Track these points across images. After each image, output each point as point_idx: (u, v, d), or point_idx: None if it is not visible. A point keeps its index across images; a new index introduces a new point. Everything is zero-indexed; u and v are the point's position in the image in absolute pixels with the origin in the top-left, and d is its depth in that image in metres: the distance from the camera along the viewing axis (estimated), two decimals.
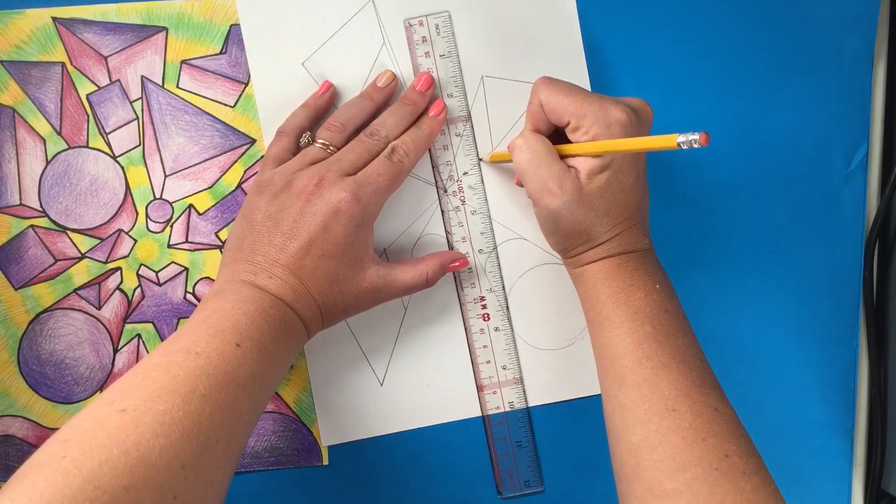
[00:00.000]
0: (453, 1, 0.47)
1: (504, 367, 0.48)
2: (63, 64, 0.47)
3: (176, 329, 0.48)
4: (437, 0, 0.47)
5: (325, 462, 0.49)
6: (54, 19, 0.46)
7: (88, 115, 0.47)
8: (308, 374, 0.48)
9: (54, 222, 0.47)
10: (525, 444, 0.49)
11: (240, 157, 0.48)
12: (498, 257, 0.48)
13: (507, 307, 0.48)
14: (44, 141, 0.47)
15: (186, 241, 0.48)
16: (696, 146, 0.33)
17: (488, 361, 0.48)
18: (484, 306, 0.48)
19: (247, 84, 0.47)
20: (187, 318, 0.48)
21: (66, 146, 0.47)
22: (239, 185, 0.48)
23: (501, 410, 0.49)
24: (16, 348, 0.48)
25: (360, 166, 0.42)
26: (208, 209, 0.48)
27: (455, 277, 0.48)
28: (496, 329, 0.48)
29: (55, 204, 0.47)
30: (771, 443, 0.51)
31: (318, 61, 0.47)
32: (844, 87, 0.50)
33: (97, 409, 0.32)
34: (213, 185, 0.48)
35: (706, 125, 0.49)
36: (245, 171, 0.48)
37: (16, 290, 0.47)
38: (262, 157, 0.46)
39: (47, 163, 0.47)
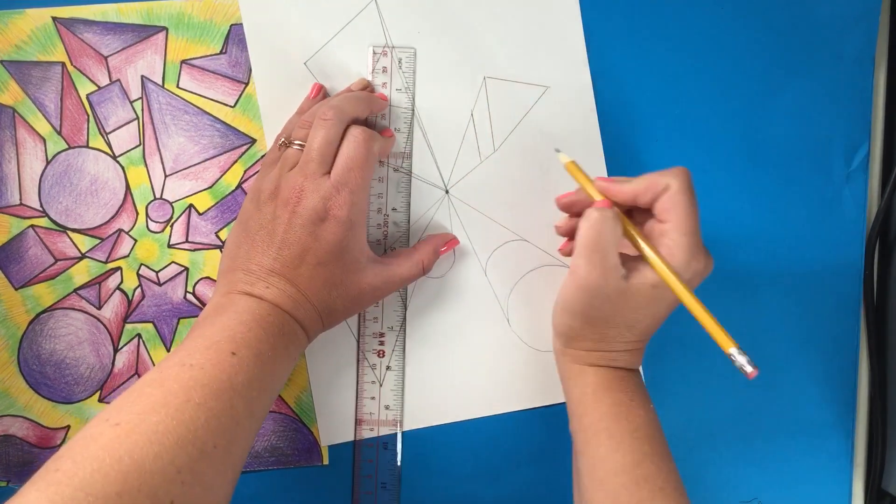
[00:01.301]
0: (453, 1, 0.47)
1: (387, 407, 0.48)
2: (63, 64, 0.47)
3: (176, 329, 0.48)
4: (437, 0, 0.47)
5: (325, 462, 0.49)
6: (54, 19, 0.46)
7: (88, 115, 0.47)
8: (308, 374, 0.48)
9: (54, 222, 0.47)
10: (389, 486, 0.49)
11: (240, 156, 0.48)
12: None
13: (404, 349, 0.48)
14: (44, 141, 0.47)
15: (186, 241, 0.48)
16: (741, 371, 0.34)
17: (373, 397, 0.48)
18: (382, 342, 0.48)
19: (247, 84, 0.47)
20: (187, 318, 0.48)
21: (67, 146, 0.47)
22: (239, 185, 0.48)
23: (374, 448, 0.49)
24: (16, 348, 0.48)
25: (331, 154, 0.41)
26: (208, 209, 0.48)
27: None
28: (388, 368, 0.48)
29: (55, 204, 0.47)
30: (771, 443, 0.51)
31: (321, 61, 0.47)
32: (845, 87, 0.50)
33: (92, 427, 0.32)
34: (213, 185, 0.48)
35: (706, 125, 0.49)
36: (245, 171, 0.48)
37: (16, 290, 0.47)
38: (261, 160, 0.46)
39: (47, 163, 0.47)
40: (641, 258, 0.39)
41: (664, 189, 0.38)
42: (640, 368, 0.44)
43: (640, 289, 0.38)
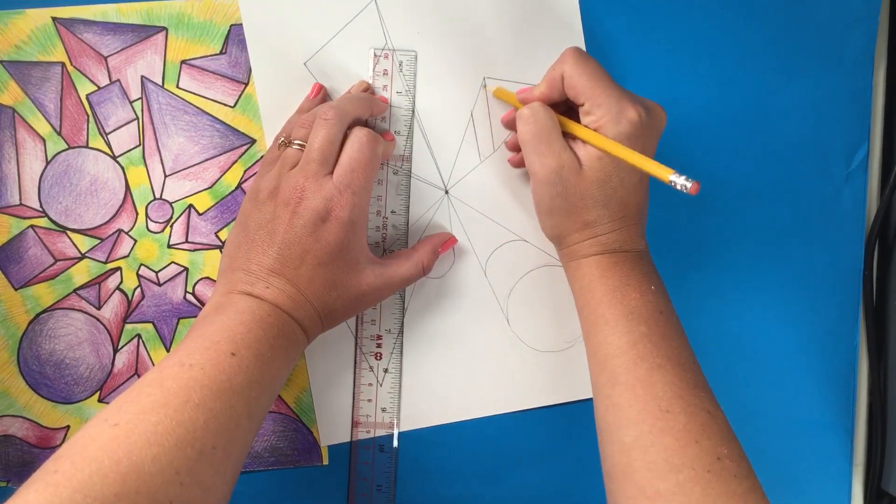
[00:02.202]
0: (453, 1, 0.47)
1: (384, 410, 0.48)
2: (63, 64, 0.47)
3: (175, 329, 0.48)
4: (437, 0, 0.47)
5: (325, 462, 0.49)
6: (54, 19, 0.46)
7: (88, 115, 0.47)
8: (308, 374, 0.48)
9: (54, 222, 0.47)
10: (385, 489, 0.49)
11: (240, 157, 0.48)
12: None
13: (402, 352, 0.48)
14: (44, 141, 0.47)
15: (186, 241, 0.48)
16: (684, 191, 0.35)
17: (369, 400, 0.48)
18: (379, 345, 0.48)
19: (247, 84, 0.47)
20: (187, 318, 0.48)
21: (66, 146, 0.47)
22: (239, 185, 0.48)
23: (370, 450, 0.49)
24: (16, 348, 0.48)
25: (332, 154, 0.41)
26: (208, 209, 0.48)
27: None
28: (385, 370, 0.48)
29: (55, 204, 0.47)
30: (771, 443, 0.51)
31: (321, 61, 0.47)
32: (845, 88, 0.50)
33: (91, 427, 0.32)
34: (213, 185, 0.48)
35: (706, 125, 0.49)
36: (245, 171, 0.48)
37: (16, 290, 0.47)
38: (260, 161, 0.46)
39: (47, 163, 0.47)
40: (580, 142, 0.41)
41: (562, 77, 0.41)
42: (643, 248, 0.43)
43: (591, 164, 0.40)
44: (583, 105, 0.41)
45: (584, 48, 0.48)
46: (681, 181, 0.35)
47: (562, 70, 0.41)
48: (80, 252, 0.47)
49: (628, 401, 0.37)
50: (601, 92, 0.40)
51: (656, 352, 0.38)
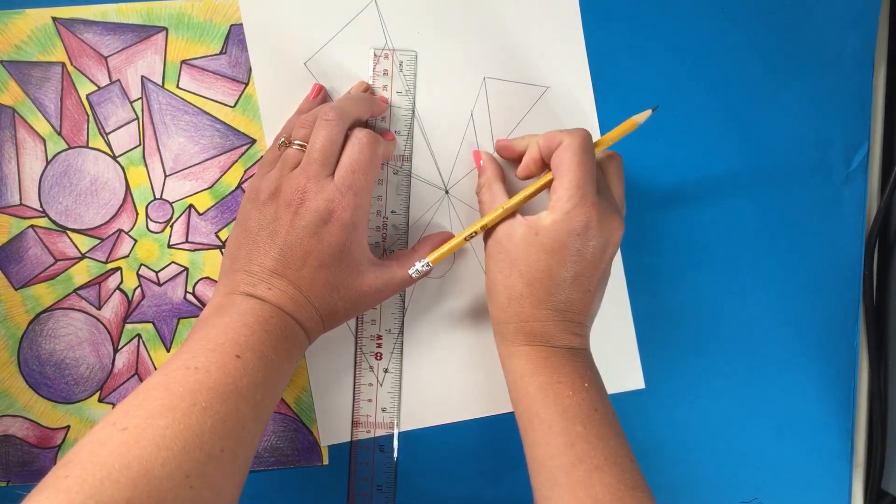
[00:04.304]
0: (453, 1, 0.47)
1: (384, 410, 0.48)
2: (63, 64, 0.47)
3: (176, 329, 0.48)
4: (437, 0, 0.47)
5: (325, 462, 0.49)
6: (54, 19, 0.46)
7: (88, 115, 0.47)
8: (308, 374, 0.48)
9: (54, 222, 0.47)
10: (385, 489, 0.49)
11: (240, 157, 0.48)
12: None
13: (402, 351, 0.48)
14: (44, 141, 0.47)
15: (186, 241, 0.48)
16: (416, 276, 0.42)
17: (370, 400, 0.48)
18: (379, 345, 0.48)
19: (247, 84, 0.47)
20: (187, 318, 0.48)
21: (66, 146, 0.47)
22: (239, 185, 0.48)
23: (370, 450, 0.49)
24: (16, 348, 0.47)
25: (334, 155, 0.41)
26: (208, 209, 0.48)
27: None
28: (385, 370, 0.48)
29: (55, 204, 0.47)
30: (771, 443, 0.51)
31: (321, 61, 0.47)
32: (845, 87, 0.50)
33: (99, 431, 0.32)
34: (213, 185, 0.48)
35: (706, 125, 0.49)
36: (245, 171, 0.48)
37: (16, 290, 0.47)
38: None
39: (47, 163, 0.47)
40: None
41: (557, 144, 0.41)
42: (578, 346, 0.42)
43: (525, 235, 0.41)
44: (555, 178, 0.41)
45: (584, 48, 0.48)
46: (417, 267, 0.42)
47: (561, 140, 0.41)
48: (80, 252, 0.47)
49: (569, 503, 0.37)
50: (573, 183, 0.40)
51: (594, 453, 0.38)
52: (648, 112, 0.43)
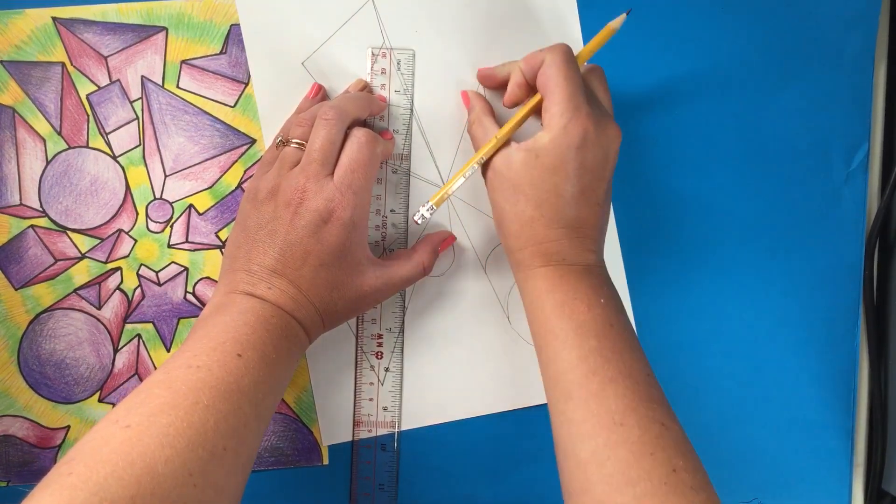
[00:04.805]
0: (451, 1, 0.47)
1: (385, 409, 0.48)
2: (63, 64, 0.47)
3: (176, 329, 0.48)
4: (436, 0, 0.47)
5: (325, 462, 0.49)
6: (54, 19, 0.46)
7: (88, 115, 0.47)
8: (309, 373, 0.48)
9: (54, 222, 0.47)
10: (387, 488, 0.49)
11: (240, 157, 0.48)
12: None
13: (403, 350, 0.48)
14: (44, 141, 0.47)
15: (186, 241, 0.48)
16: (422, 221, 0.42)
17: (371, 399, 0.48)
18: (380, 344, 0.48)
19: (247, 84, 0.47)
20: (187, 318, 0.48)
21: (66, 146, 0.47)
22: (239, 185, 0.48)
23: (372, 449, 0.49)
24: (16, 348, 0.48)
25: (333, 154, 0.41)
26: (208, 209, 0.48)
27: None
28: (386, 369, 0.48)
29: (55, 204, 0.47)
30: (771, 443, 0.51)
31: (319, 61, 0.47)
32: (845, 88, 0.50)
33: (102, 429, 0.32)
34: (213, 185, 0.48)
35: (707, 125, 0.49)
36: (245, 171, 0.48)
37: (16, 290, 0.47)
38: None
39: (47, 163, 0.47)
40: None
41: (540, 64, 0.41)
42: (594, 263, 0.42)
43: (520, 154, 0.41)
44: (544, 97, 0.41)
45: (582, 47, 0.48)
46: (422, 212, 0.43)
47: (542, 58, 0.41)
48: (80, 252, 0.47)
49: (582, 415, 0.37)
50: (562, 97, 0.40)
51: (607, 365, 0.38)
52: (623, 16, 0.43)
